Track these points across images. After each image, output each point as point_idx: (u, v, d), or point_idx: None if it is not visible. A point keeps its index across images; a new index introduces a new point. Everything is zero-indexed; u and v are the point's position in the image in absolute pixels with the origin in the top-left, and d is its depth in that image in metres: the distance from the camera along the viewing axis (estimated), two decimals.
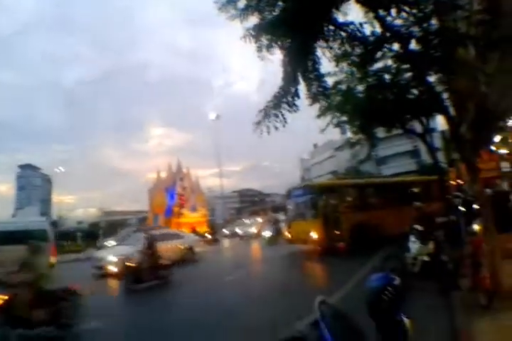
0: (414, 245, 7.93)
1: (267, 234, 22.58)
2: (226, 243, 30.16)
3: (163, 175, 40.67)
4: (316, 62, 7.14)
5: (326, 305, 2.65)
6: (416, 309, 3.38)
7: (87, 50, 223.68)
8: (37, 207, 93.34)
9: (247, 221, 36.38)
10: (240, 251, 21.25)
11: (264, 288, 9.65)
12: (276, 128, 6.90)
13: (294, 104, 6.86)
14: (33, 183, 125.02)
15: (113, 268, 13.34)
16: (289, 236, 15.91)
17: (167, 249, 14.50)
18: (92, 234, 38.83)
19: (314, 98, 7.41)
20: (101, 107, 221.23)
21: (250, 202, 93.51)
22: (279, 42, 7.06)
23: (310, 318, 2.69)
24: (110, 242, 23.41)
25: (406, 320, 2.25)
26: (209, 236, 30.26)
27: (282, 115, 6.83)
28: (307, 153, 75.45)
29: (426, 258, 7.56)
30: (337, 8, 6.54)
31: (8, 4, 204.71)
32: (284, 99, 6.91)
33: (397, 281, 2.21)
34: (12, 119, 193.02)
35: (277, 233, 21.25)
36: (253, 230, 30.45)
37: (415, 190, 18.36)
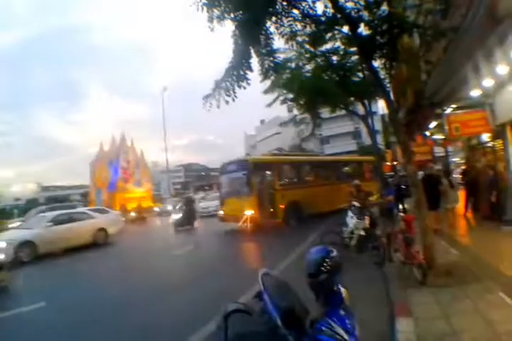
0: (351, 220, 8.27)
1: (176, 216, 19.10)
2: (156, 221, 27.52)
3: (107, 148, 38.80)
4: (268, 38, 7.00)
5: (269, 277, 2.74)
6: (352, 280, 3.61)
7: (22, 10, 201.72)
8: None
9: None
10: (167, 231, 18.52)
11: (200, 267, 9.14)
12: (226, 102, 6.74)
13: (246, 78, 6.70)
14: None
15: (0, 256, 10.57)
16: (222, 213, 15.41)
17: (71, 231, 13.29)
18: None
19: (266, 73, 7.33)
20: (39, 72, 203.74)
21: (196, 177, 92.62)
22: (231, 14, 6.80)
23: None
24: (17, 223, 20.83)
25: (343, 290, 2.35)
26: (133, 214, 28.15)
27: (233, 89, 6.65)
28: (253, 128, 75.50)
29: (362, 232, 7.89)
30: None
31: None
32: (234, 71, 6.71)
33: (334, 253, 2.28)
34: None
35: (188, 215, 17.86)
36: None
37: (350, 169, 19.34)
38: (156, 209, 33.49)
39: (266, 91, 14.50)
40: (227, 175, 15.47)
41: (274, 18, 6.90)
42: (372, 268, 6.78)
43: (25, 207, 40.86)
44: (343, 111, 17.14)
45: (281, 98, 15.12)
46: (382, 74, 9.79)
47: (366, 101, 15.25)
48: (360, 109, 16.44)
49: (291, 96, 15.04)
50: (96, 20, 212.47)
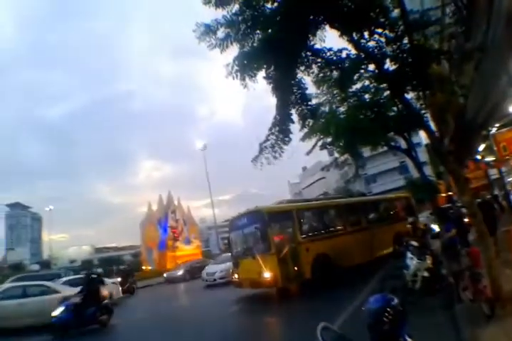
0: (411, 261, 7.83)
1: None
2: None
3: (155, 208, 40.31)
4: (300, 87, 7.36)
5: (328, 331, 2.55)
6: (420, 327, 3.23)
7: (69, 82, 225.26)
8: (27, 248, 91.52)
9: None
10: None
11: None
12: (274, 158, 7.03)
13: (289, 132, 7.04)
14: (23, 222, 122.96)
15: None
16: (237, 277, 12.61)
17: (24, 307, 10.94)
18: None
19: (304, 121, 7.59)
20: (86, 141, 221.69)
21: None
22: (261, 71, 7.29)
23: None
24: None
25: None
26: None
27: (279, 146, 7.00)
28: (296, 176, 75.78)
29: (426, 273, 7.40)
30: (314, 35, 6.83)
31: None
32: (277, 127, 7.07)
33: (396, 301, 2.14)
34: None
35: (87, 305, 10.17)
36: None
37: (383, 209, 17.08)
38: None
39: (303, 139, 14.59)
40: (238, 231, 13.01)
41: (302, 67, 7.33)
42: (441, 312, 6.29)
43: (80, 269, 42.33)
44: (385, 148, 16.95)
45: (320, 143, 15.17)
46: (417, 105, 9.83)
47: (406, 134, 15.07)
48: (403, 143, 16.22)
49: (329, 140, 15.13)
50: (135, 88, 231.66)
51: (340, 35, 6.80)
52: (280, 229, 12.13)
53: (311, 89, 9.93)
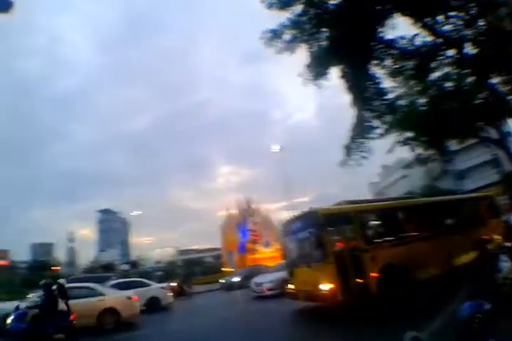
0: (505, 264, 7.46)
1: None
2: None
3: (234, 211, 41.97)
4: (375, 82, 7.40)
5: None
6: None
7: (147, 95, 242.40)
8: (118, 249, 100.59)
9: None
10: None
11: None
12: (364, 157, 7.08)
13: (373, 128, 7.07)
14: (113, 227, 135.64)
15: None
16: (292, 288, 11.29)
17: None
18: (170, 273, 40.41)
19: (382, 116, 7.59)
20: (167, 150, 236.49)
21: None
22: (333, 69, 7.40)
23: None
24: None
25: None
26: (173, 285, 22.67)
27: (365, 146, 7.01)
28: (377, 175, 72.96)
29: None
30: (382, 25, 6.88)
31: (68, 61, 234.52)
32: (360, 127, 7.15)
33: (487, 307, 2.15)
34: (87, 169, 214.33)
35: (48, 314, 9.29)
36: None
37: (464, 210, 14.35)
38: None
39: (382, 136, 13.88)
40: (292, 236, 11.70)
41: (375, 61, 7.38)
42: None
43: (165, 269, 45.54)
44: (474, 140, 15.91)
45: (401, 139, 14.56)
46: (503, 90, 9.19)
47: (497, 123, 13.98)
48: (494, 133, 15.10)
49: (410, 135, 14.47)
50: (210, 97, 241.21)
51: (413, 23, 6.76)
52: (340, 235, 10.83)
53: (386, 83, 9.81)
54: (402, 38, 7.13)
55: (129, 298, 12.52)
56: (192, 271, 39.39)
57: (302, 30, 7.44)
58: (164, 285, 18.34)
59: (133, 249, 77.08)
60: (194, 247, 78.11)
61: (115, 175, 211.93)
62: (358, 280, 9.70)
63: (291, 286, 11.34)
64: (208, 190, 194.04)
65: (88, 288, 12.26)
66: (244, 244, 38.18)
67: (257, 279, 17.43)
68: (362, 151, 6.94)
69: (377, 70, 7.61)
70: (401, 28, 7.31)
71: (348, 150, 7.20)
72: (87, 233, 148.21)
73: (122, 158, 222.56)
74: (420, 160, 16.69)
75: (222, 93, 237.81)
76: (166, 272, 41.15)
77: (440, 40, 6.96)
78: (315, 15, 7.19)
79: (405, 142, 14.43)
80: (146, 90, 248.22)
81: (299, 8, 7.35)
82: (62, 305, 9.08)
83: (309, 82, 7.88)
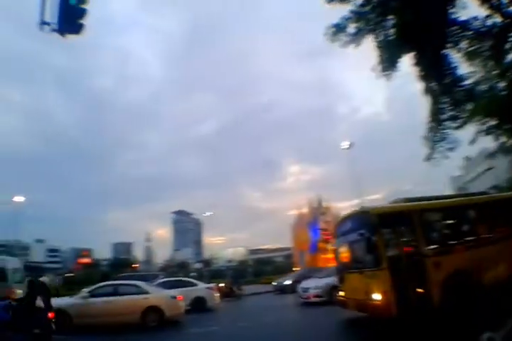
0: None
1: None
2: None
3: (305, 210, 42.04)
4: (450, 67, 7.20)
5: None
6: None
7: (213, 100, 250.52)
8: (191, 249, 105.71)
9: None
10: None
11: None
12: (450, 149, 6.96)
13: (457, 117, 6.94)
14: (186, 227, 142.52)
15: None
16: (342, 296, 10.41)
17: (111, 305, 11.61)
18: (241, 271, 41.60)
19: (461, 104, 7.37)
20: (236, 151, 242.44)
21: None
22: (404, 57, 7.31)
23: None
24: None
25: None
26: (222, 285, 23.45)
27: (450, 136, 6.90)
28: (459, 168, 68.19)
29: None
30: (452, 6, 6.74)
31: (137, 74, 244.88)
32: (439, 116, 7.03)
33: None
34: (163, 173, 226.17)
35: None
36: None
37: None
38: None
39: (459, 126, 13.05)
40: (343, 238, 10.70)
41: (449, 45, 7.20)
42: None
43: (236, 268, 46.90)
44: None
45: (483, 128, 13.69)
46: None
47: None
48: None
49: (492, 123, 13.63)
50: (275, 97, 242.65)
51: (480, 4, 6.55)
52: (396, 237, 9.62)
53: (463, 69, 9.42)
54: (475, 18, 6.85)
55: (174, 297, 12.66)
56: (262, 269, 40.09)
57: (367, 20, 7.41)
58: (211, 285, 18.37)
59: (205, 248, 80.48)
60: (265, 247, 79.61)
61: (188, 178, 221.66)
62: (417, 289, 8.70)
63: (341, 293, 10.58)
64: (278, 189, 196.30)
65: (134, 285, 12.69)
66: (315, 243, 38.08)
67: (305, 284, 16.56)
68: (446, 143, 6.73)
69: (452, 54, 7.34)
70: (473, 8, 7.08)
71: (431, 142, 7.03)
72: (163, 233, 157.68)
73: (194, 162, 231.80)
74: (505, 150, 15.56)
75: (286, 92, 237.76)
76: (238, 270, 42.41)
77: (508, 20, 6.61)
78: (378, 3, 7.15)
79: (488, 131, 13.55)
80: (212, 95, 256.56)
81: None
82: (39, 302, 9.10)
83: (379, 74, 7.85)
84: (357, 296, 9.24)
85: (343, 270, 10.68)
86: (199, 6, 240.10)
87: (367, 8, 7.26)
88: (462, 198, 11.96)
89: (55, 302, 10.51)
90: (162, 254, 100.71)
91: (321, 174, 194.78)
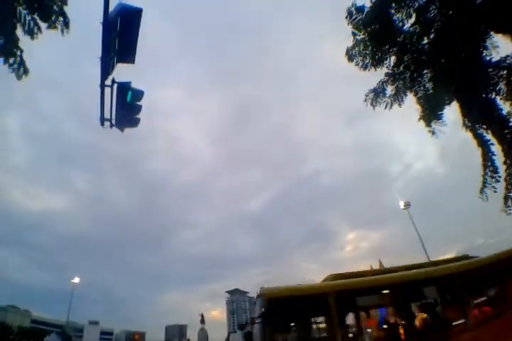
0: None
1: None
2: None
3: None
4: (496, 109, 7.18)
5: None
6: None
7: (260, 175, 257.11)
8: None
9: None
10: None
11: None
12: None
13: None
14: (242, 307, 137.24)
15: None
16: None
17: None
18: None
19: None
20: (286, 224, 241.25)
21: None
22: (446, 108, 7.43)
23: None
24: None
25: None
26: None
27: None
28: None
29: None
30: (483, 48, 6.91)
31: (186, 156, 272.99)
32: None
33: None
34: (218, 252, 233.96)
35: None
36: None
37: None
38: None
39: None
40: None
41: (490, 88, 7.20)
42: None
43: None
44: None
45: None
46: None
47: None
48: None
49: None
50: (322, 165, 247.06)
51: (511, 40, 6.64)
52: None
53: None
54: (509, 56, 6.99)
55: None
56: None
57: (403, 79, 7.62)
58: None
59: None
60: None
61: (242, 255, 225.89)
62: None
63: None
64: (335, 259, 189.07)
65: None
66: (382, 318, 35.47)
67: None
68: None
69: (494, 97, 7.40)
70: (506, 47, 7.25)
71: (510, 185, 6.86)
72: (217, 314, 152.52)
73: (247, 238, 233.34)
74: None
75: (334, 158, 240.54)
76: None
77: None
78: (411, 60, 7.32)
79: None
80: (259, 170, 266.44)
81: (392, 59, 7.58)
82: None
83: (428, 128, 7.99)
84: None
85: None
86: (239, 88, 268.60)
87: (401, 68, 7.55)
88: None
89: None
90: (217, 336, 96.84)
91: (380, 238, 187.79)
